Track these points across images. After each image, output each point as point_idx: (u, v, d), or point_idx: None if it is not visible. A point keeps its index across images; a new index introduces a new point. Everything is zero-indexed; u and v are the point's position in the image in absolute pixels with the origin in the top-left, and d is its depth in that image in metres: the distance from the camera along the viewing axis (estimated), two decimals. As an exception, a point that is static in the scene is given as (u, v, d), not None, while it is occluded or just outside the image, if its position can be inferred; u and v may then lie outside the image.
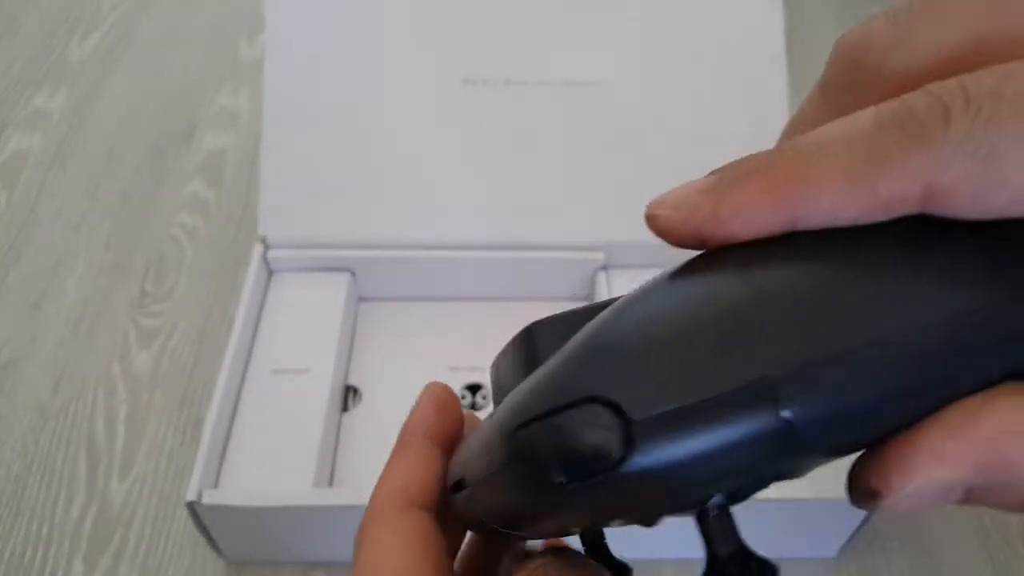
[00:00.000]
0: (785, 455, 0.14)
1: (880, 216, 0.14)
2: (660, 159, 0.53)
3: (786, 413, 0.13)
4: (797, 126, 0.17)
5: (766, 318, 0.14)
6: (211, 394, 0.45)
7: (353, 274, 0.54)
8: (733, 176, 0.15)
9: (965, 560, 0.45)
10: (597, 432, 0.14)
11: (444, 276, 0.54)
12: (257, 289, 0.52)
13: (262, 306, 0.52)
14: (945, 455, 0.13)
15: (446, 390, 0.23)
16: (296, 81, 0.54)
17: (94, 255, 0.61)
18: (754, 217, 0.15)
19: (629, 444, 0.13)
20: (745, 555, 0.15)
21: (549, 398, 0.15)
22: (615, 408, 0.14)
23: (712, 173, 0.16)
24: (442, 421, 0.23)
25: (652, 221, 0.16)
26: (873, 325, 0.13)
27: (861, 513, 0.41)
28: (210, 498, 0.40)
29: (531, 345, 0.17)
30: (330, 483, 0.47)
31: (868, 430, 0.14)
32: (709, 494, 0.15)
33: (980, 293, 0.13)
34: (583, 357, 0.15)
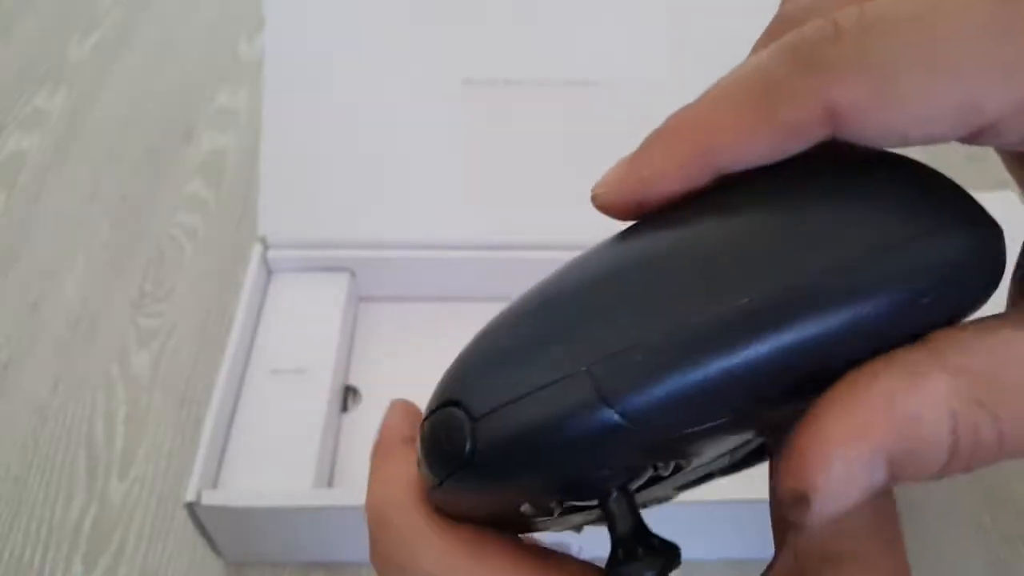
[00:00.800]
0: (622, 443, 0.14)
1: (795, 146, 0.14)
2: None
3: (607, 400, 0.14)
4: None
5: (591, 308, 0.14)
6: (210, 394, 0.45)
7: (353, 274, 0.54)
8: (652, 138, 0.16)
9: (965, 560, 0.45)
10: (450, 432, 0.15)
11: (444, 276, 0.54)
12: (257, 289, 0.52)
13: (262, 306, 0.52)
14: (862, 427, 0.13)
15: (409, 402, 0.23)
16: (296, 81, 0.54)
17: (93, 255, 0.61)
18: (675, 172, 0.15)
19: (474, 439, 0.15)
20: (645, 534, 0.16)
21: (430, 404, 0.16)
22: (466, 408, 0.15)
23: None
24: (413, 426, 0.23)
25: (594, 201, 0.17)
26: (677, 314, 0.14)
27: (861, 513, 0.41)
28: (209, 499, 0.40)
29: None
30: (330, 483, 0.47)
31: (705, 413, 0.14)
32: (576, 482, 0.15)
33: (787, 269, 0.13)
34: (454, 364, 0.16)
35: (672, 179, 0.15)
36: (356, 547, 0.44)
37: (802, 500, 0.13)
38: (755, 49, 0.17)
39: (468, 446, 0.15)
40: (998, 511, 0.47)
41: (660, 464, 0.16)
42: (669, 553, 0.16)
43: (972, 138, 0.13)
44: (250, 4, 0.80)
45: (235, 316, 0.49)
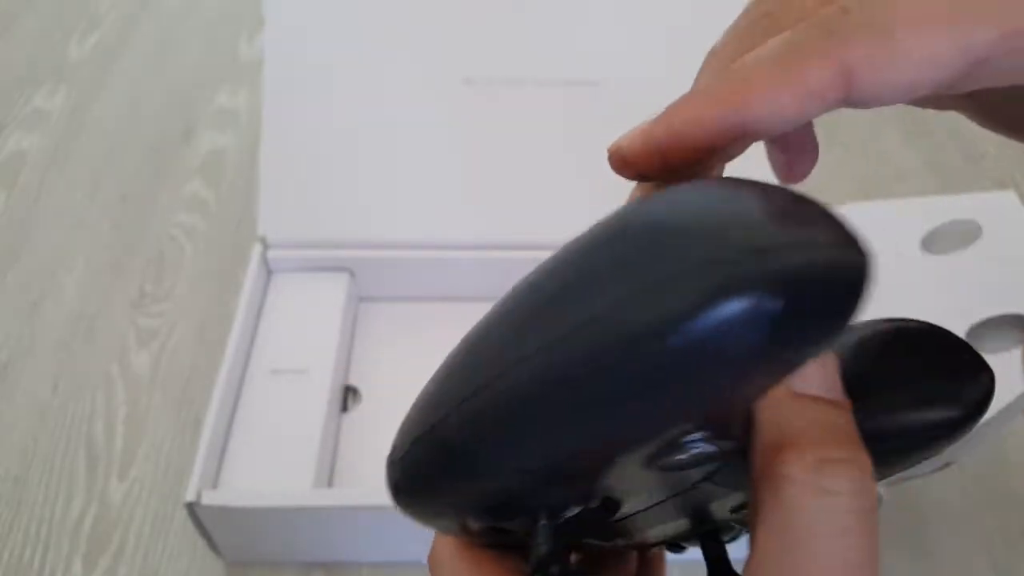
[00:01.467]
0: (474, 483, 0.16)
1: (815, 106, 0.15)
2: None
3: (456, 444, 0.16)
4: (717, 57, 0.19)
5: (462, 356, 0.16)
6: (210, 394, 0.45)
7: (353, 274, 0.54)
8: (684, 97, 0.17)
9: (965, 560, 0.45)
10: (389, 469, 0.18)
11: (444, 276, 0.54)
12: (256, 289, 0.52)
13: (261, 306, 0.52)
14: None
15: None
16: (296, 81, 0.54)
17: (93, 255, 0.61)
18: (709, 122, 0.16)
19: (393, 480, 0.18)
20: (564, 568, 0.17)
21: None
22: (391, 452, 0.18)
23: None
24: None
25: (614, 155, 0.18)
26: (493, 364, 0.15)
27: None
28: (209, 499, 0.40)
29: None
30: (329, 483, 0.47)
31: (531, 454, 0.15)
32: (487, 510, 0.17)
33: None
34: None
35: (705, 129, 0.16)
36: (356, 547, 0.44)
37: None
38: (724, 41, 0.19)
39: (390, 486, 0.18)
40: (998, 511, 0.47)
41: (573, 499, 0.17)
42: None
43: (968, 78, 0.15)
44: (250, 4, 0.80)
45: (235, 316, 0.49)
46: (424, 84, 0.54)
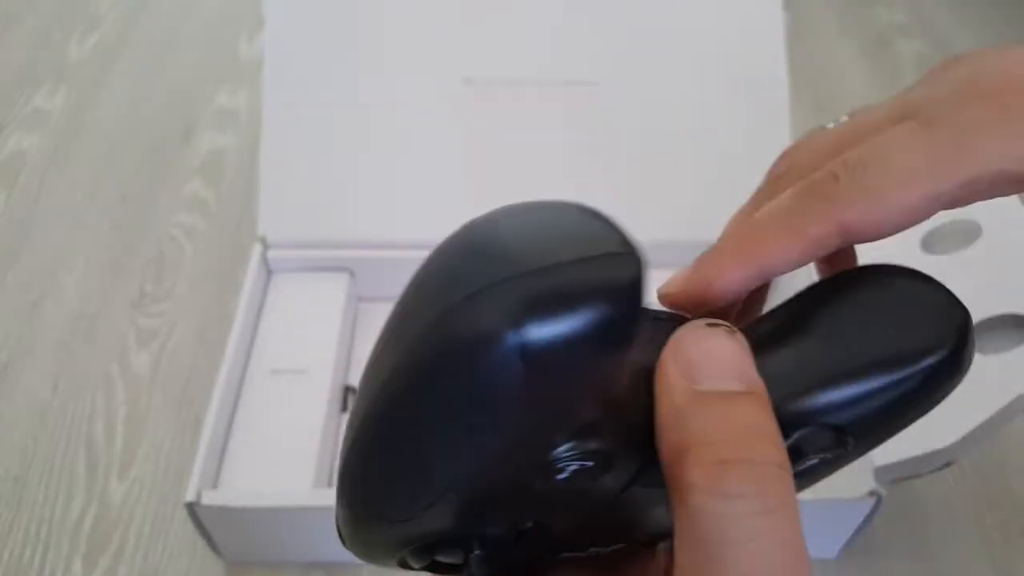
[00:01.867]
0: (396, 525, 0.18)
1: (819, 253, 0.19)
2: (660, 159, 0.53)
3: (356, 499, 0.19)
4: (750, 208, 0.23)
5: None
6: (210, 394, 0.45)
7: (352, 274, 0.54)
8: (710, 252, 0.21)
9: (965, 560, 0.45)
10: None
11: (444, 276, 0.54)
12: (256, 289, 0.52)
13: (261, 306, 0.52)
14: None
15: None
16: (296, 81, 0.54)
17: (93, 255, 0.61)
18: (739, 279, 0.20)
19: (337, 528, 0.21)
20: None
21: None
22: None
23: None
24: None
25: (664, 299, 0.21)
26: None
27: (861, 513, 0.41)
28: (209, 499, 0.40)
29: None
30: (330, 483, 0.47)
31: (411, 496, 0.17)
32: (420, 548, 0.18)
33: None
34: None
35: (736, 283, 0.20)
36: (356, 547, 0.44)
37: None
38: (762, 186, 0.23)
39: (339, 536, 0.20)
40: (998, 511, 0.47)
41: (496, 527, 0.18)
42: None
43: (955, 204, 0.19)
44: (250, 4, 0.80)
45: (235, 316, 0.49)
46: (424, 84, 0.54)
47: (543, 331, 0.13)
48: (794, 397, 0.18)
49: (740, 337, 0.17)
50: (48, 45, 0.81)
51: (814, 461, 0.18)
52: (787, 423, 0.17)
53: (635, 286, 0.14)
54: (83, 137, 0.71)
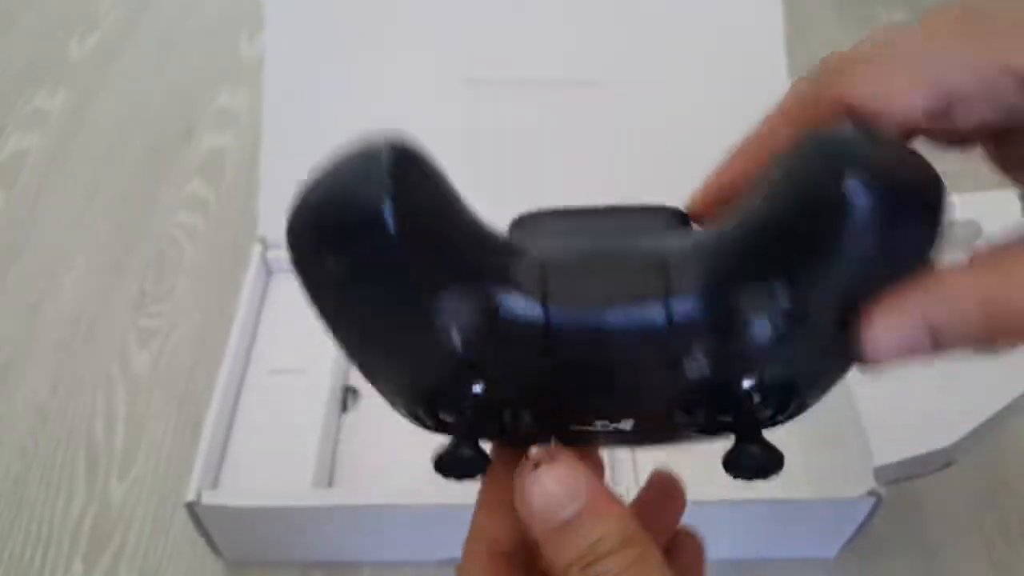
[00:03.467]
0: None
1: (820, 119, 0.20)
2: (660, 158, 0.53)
3: None
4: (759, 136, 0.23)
5: None
6: (210, 394, 0.45)
7: (353, 274, 0.54)
8: (727, 157, 0.23)
9: (965, 560, 0.45)
10: None
11: (444, 276, 0.54)
12: (256, 289, 0.52)
13: (261, 306, 0.52)
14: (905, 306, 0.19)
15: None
16: (296, 81, 0.54)
17: (93, 255, 0.61)
18: (747, 175, 0.21)
19: None
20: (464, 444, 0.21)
21: None
22: None
23: None
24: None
25: (690, 211, 0.23)
26: None
27: (861, 513, 0.41)
28: (209, 498, 0.40)
29: (513, 228, 0.24)
30: (329, 483, 0.47)
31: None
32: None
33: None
34: None
35: (743, 181, 0.20)
36: (356, 547, 0.44)
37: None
38: (769, 119, 0.23)
39: None
40: (998, 511, 0.47)
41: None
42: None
43: (948, 110, 0.19)
44: (250, 4, 0.80)
45: (235, 316, 0.49)
46: (424, 84, 0.54)
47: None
48: (723, 269, 0.19)
49: (564, 456, 0.20)
50: (48, 45, 0.81)
51: (763, 324, 0.19)
52: (724, 292, 0.19)
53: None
54: (83, 137, 0.71)
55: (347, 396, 0.51)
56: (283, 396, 0.48)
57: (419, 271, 0.19)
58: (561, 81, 0.54)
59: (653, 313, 0.19)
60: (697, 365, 0.19)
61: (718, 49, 0.54)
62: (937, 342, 0.18)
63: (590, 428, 0.21)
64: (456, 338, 0.19)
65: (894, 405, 0.42)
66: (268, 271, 0.54)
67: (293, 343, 0.50)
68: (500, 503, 0.22)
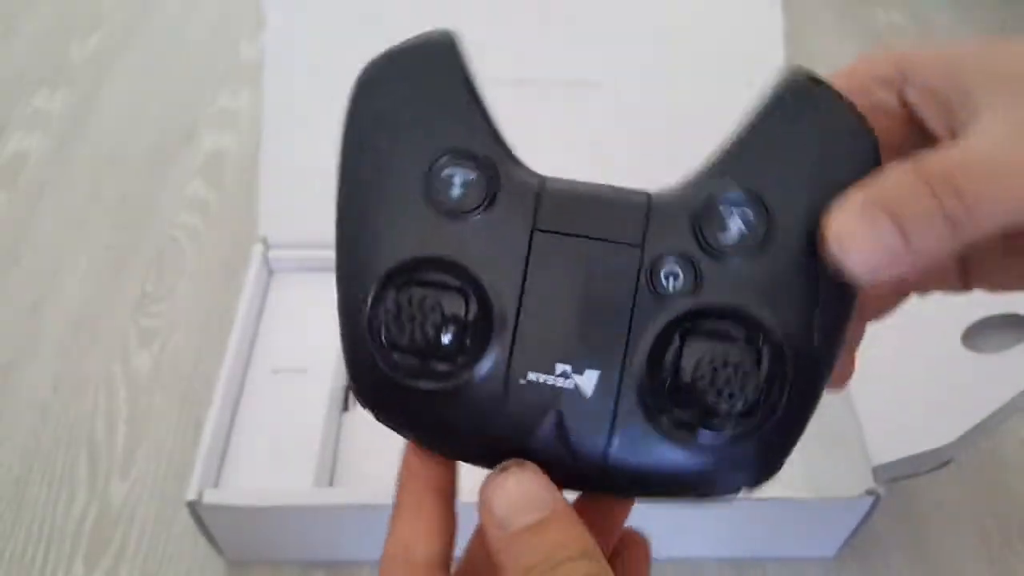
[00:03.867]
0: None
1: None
2: (660, 159, 0.53)
3: None
4: None
5: None
6: (211, 394, 0.45)
7: (353, 274, 0.54)
8: None
9: (963, 559, 0.45)
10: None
11: (444, 276, 0.54)
12: (257, 289, 0.52)
13: (262, 306, 0.52)
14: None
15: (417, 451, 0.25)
16: (296, 81, 0.54)
17: (94, 255, 0.61)
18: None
19: None
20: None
21: None
22: None
23: None
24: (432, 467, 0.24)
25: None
26: None
27: (860, 513, 0.41)
28: (211, 498, 0.40)
29: None
30: (330, 483, 0.47)
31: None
32: None
33: None
34: None
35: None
36: (356, 546, 0.44)
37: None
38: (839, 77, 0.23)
39: None
40: (998, 511, 0.47)
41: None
42: None
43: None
44: (251, 5, 0.80)
45: (236, 316, 0.49)
46: (424, 84, 0.54)
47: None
48: (706, 178, 0.22)
49: (529, 466, 0.20)
50: (50, 46, 0.81)
51: (742, 231, 0.21)
52: (703, 199, 0.22)
53: None
54: (84, 138, 0.71)
55: (348, 395, 0.51)
56: (284, 396, 0.48)
57: (460, 115, 0.24)
58: (561, 81, 0.54)
59: (634, 198, 0.23)
60: (673, 277, 0.21)
61: (718, 49, 0.54)
62: (902, 229, 0.18)
63: (546, 381, 0.21)
64: (457, 186, 0.23)
65: (892, 404, 0.42)
66: (269, 271, 0.54)
67: (294, 343, 0.50)
68: (415, 506, 0.23)
